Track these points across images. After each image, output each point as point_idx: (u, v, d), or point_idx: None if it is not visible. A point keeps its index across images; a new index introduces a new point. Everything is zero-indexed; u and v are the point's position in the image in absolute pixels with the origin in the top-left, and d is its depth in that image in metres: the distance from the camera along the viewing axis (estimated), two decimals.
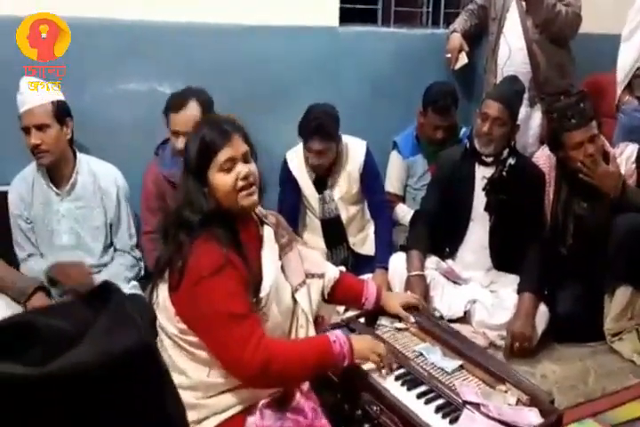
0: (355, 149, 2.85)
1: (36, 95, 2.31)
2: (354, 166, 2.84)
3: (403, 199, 3.23)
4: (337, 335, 1.58)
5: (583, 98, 2.46)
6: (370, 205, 2.97)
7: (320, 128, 2.63)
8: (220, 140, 1.51)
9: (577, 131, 2.42)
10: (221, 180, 1.52)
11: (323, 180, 2.86)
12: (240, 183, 1.53)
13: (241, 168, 1.53)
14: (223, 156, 1.51)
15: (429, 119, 3.03)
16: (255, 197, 1.57)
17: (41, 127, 2.29)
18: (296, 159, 2.86)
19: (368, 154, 2.86)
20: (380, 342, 1.70)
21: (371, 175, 2.89)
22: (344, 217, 2.90)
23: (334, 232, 2.92)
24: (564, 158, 2.54)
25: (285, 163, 2.88)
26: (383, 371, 1.64)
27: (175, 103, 2.45)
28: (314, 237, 2.93)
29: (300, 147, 2.83)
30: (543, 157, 2.71)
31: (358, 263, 2.91)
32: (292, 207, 2.88)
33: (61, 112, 2.35)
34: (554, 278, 2.59)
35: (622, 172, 2.53)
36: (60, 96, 2.38)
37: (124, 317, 0.61)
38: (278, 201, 2.85)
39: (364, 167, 2.85)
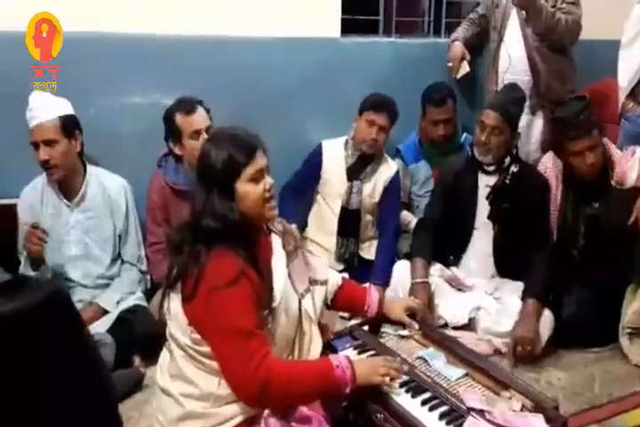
0: (389, 163, 3.04)
1: (43, 111, 2.33)
2: (383, 177, 2.97)
3: (407, 207, 3.24)
4: (340, 360, 1.55)
5: (585, 107, 2.48)
6: (380, 223, 3.04)
7: (383, 103, 2.87)
8: (251, 153, 1.57)
9: (577, 141, 2.47)
10: (252, 189, 1.56)
11: (357, 171, 2.94)
12: (267, 194, 1.59)
13: (268, 179, 1.60)
14: (253, 168, 1.56)
15: (428, 116, 3.11)
16: (277, 211, 1.65)
17: (49, 143, 2.32)
18: (334, 148, 2.98)
19: (397, 174, 3.02)
20: (381, 362, 1.64)
21: (392, 195, 3.01)
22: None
23: (350, 224, 2.98)
24: (567, 163, 2.58)
25: (320, 147, 3.00)
26: (394, 385, 1.62)
27: (186, 107, 2.49)
28: (328, 226, 2.99)
29: (341, 139, 2.97)
30: (550, 161, 2.73)
31: (363, 263, 2.99)
32: (300, 183, 3.02)
33: (69, 126, 2.38)
34: (561, 283, 2.58)
35: (635, 174, 2.53)
36: (68, 110, 2.41)
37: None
38: (293, 174, 3.00)
39: (390, 183, 2.98)
